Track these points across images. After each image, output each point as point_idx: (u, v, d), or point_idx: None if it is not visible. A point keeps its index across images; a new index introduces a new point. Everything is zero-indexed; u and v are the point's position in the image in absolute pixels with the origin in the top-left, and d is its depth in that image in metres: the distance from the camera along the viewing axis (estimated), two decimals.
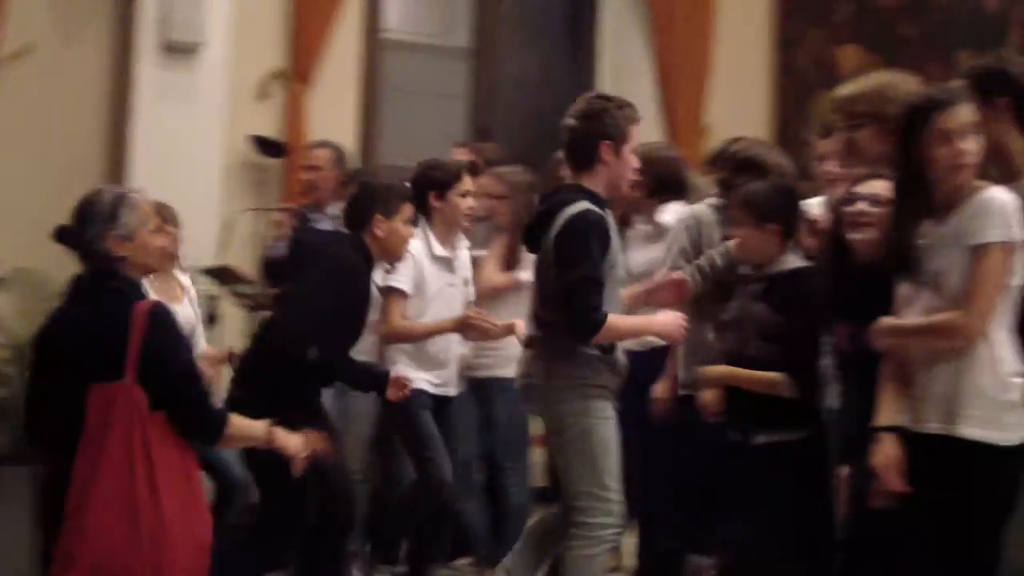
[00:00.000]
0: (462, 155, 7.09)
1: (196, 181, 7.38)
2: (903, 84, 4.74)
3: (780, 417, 4.81)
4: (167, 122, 7.38)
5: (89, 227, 4.18)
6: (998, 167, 4.18)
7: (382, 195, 5.50)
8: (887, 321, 4.04)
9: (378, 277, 5.78)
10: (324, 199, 7.14)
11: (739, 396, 4.95)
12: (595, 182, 5.07)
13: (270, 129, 8.07)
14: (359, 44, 8.68)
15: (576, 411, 5.01)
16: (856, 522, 4.45)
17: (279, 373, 5.16)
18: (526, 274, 5.90)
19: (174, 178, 7.01)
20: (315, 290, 5.26)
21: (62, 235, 4.46)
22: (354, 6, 8.57)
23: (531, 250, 5.26)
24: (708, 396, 5.09)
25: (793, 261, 4.96)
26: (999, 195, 3.88)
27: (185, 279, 6.22)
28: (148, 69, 7.43)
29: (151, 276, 5.22)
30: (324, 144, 7.42)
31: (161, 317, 4.14)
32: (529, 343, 5.24)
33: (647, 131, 8.76)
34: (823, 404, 4.88)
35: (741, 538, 4.95)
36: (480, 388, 6.32)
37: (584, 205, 4.97)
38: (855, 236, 4.39)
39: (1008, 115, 4.35)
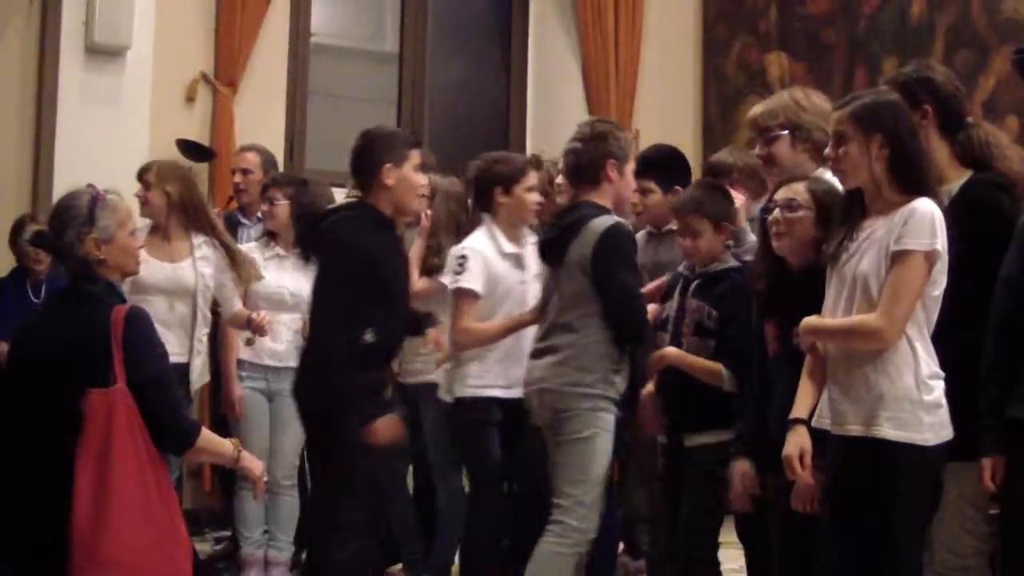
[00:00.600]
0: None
1: (121, 185, 7.23)
2: (813, 98, 4.83)
3: (712, 418, 4.86)
4: (92, 126, 7.31)
5: (67, 230, 4.14)
6: None
7: (387, 143, 5.25)
8: (810, 320, 4.08)
9: (447, 279, 5.80)
10: (253, 202, 7.10)
11: (673, 398, 5.03)
12: (603, 199, 5.25)
13: (197, 133, 8.01)
14: (286, 48, 8.64)
15: (582, 419, 5.12)
16: (782, 525, 4.46)
17: (337, 363, 5.03)
18: (447, 279, 5.94)
19: (99, 182, 6.89)
20: (327, 281, 5.16)
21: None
22: (281, 10, 8.53)
23: (549, 262, 5.35)
24: (646, 398, 5.18)
25: (729, 258, 5.05)
26: (927, 205, 3.91)
27: (197, 240, 6.22)
28: (72, 72, 7.36)
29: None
30: (253, 147, 7.38)
31: (138, 322, 4.11)
32: (541, 352, 5.30)
33: None
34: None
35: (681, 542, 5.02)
36: (410, 393, 6.29)
37: (613, 219, 5.18)
38: (776, 244, 4.43)
39: (932, 122, 4.39)
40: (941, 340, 3.99)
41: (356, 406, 4.94)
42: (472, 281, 5.64)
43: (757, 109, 4.94)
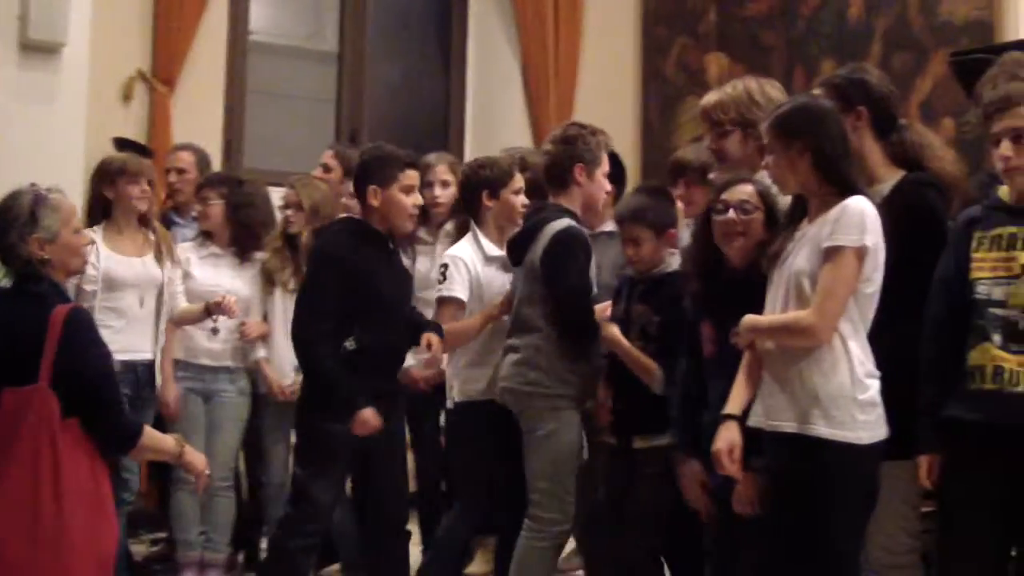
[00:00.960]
0: (329, 159, 7.07)
1: (57, 183, 7.21)
2: (768, 89, 4.83)
3: (663, 421, 4.88)
4: (27, 124, 7.20)
5: (10, 231, 4.15)
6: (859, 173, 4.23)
7: (377, 164, 5.41)
8: (748, 318, 4.09)
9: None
10: (188, 202, 7.06)
11: (624, 399, 5.07)
12: (571, 202, 5.35)
13: (133, 132, 7.92)
14: (225, 46, 8.58)
15: (542, 417, 5.23)
16: (720, 526, 4.47)
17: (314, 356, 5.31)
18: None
19: (34, 180, 6.83)
20: (307, 289, 5.40)
21: None
22: (219, 8, 8.47)
23: (515, 263, 5.44)
24: (601, 398, 5.23)
25: (673, 263, 5.08)
26: (858, 202, 3.93)
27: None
28: (7, 69, 7.24)
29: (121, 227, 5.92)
30: (188, 147, 7.34)
31: (78, 322, 4.09)
32: (507, 350, 5.40)
33: (514, 135, 8.84)
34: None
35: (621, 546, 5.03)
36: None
37: (567, 222, 5.23)
38: (729, 245, 4.44)
39: (867, 124, 4.43)
40: (873, 339, 4.01)
41: (336, 392, 5.20)
42: (454, 289, 5.67)
43: (710, 99, 4.94)
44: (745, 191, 4.43)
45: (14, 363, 4.00)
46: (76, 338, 4.06)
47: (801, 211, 4.12)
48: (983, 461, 3.92)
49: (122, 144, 7.54)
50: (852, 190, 3.98)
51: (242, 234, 6.53)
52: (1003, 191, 4.02)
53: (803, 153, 4.02)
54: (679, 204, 5.36)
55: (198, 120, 8.18)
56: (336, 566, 6.54)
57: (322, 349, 5.19)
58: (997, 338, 3.89)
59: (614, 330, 5.06)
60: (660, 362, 4.93)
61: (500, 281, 5.71)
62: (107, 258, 5.99)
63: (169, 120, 8.05)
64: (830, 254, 3.91)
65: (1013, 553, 4.04)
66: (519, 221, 5.68)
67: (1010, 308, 3.88)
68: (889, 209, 4.12)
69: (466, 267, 5.70)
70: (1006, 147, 3.92)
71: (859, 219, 3.90)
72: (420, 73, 10.06)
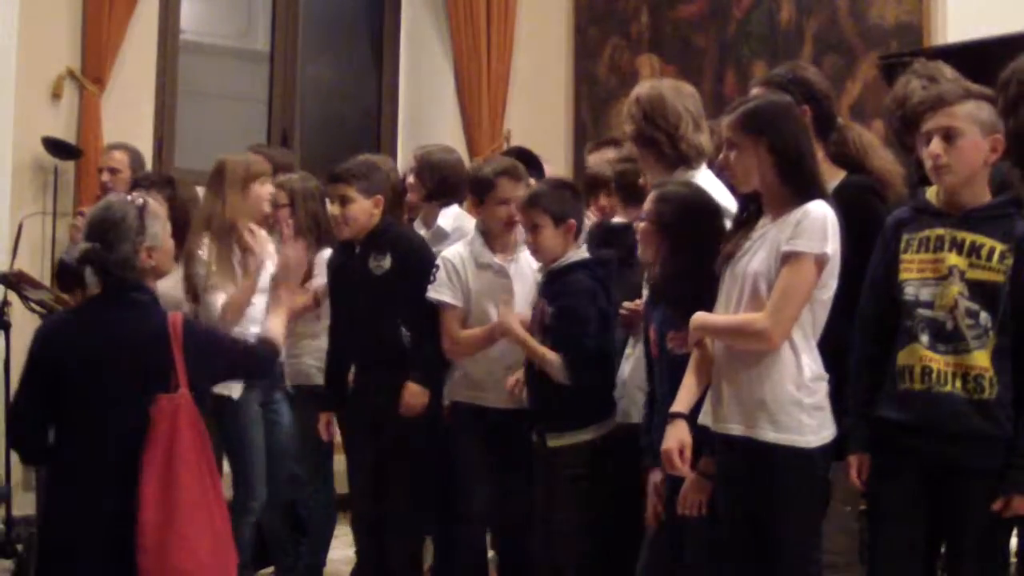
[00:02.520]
0: (256, 159, 7.02)
1: None
2: (647, 94, 4.85)
3: (575, 419, 4.88)
4: None
5: (124, 242, 4.19)
6: None
7: (353, 174, 5.61)
8: (699, 316, 4.08)
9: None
10: None
11: (538, 397, 5.08)
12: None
13: (63, 131, 7.86)
14: (155, 45, 8.51)
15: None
16: (669, 529, 4.46)
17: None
18: (317, 281, 6.06)
19: None
20: None
21: (88, 257, 4.20)
22: (150, 7, 8.39)
23: None
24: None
25: (574, 255, 5.06)
26: (820, 208, 3.93)
27: None
28: None
29: None
30: (121, 146, 7.28)
31: (194, 328, 4.28)
32: None
33: (446, 136, 8.83)
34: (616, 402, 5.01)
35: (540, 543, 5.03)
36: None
37: None
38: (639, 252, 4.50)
39: (809, 123, 4.37)
40: (822, 342, 4.03)
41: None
42: (441, 292, 5.54)
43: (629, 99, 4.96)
44: (649, 199, 4.49)
45: (155, 369, 4.10)
46: (197, 344, 4.20)
47: (756, 210, 4.13)
48: (912, 460, 3.94)
49: (51, 144, 7.50)
50: (814, 191, 3.98)
51: (180, 235, 6.48)
52: (931, 192, 4.05)
53: (767, 150, 4.01)
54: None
55: (129, 119, 8.10)
56: (270, 569, 6.50)
57: None
58: (925, 339, 3.91)
59: (510, 320, 5.08)
60: (561, 351, 4.92)
61: (494, 288, 5.50)
62: None
63: (99, 119, 7.97)
64: (789, 259, 3.90)
65: (943, 550, 4.07)
66: (503, 231, 5.55)
67: (937, 309, 3.89)
68: None
69: (454, 270, 5.56)
70: (936, 145, 3.94)
71: (821, 225, 3.90)
72: (352, 73, 10.04)
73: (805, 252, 3.88)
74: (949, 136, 3.92)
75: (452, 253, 5.59)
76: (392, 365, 5.55)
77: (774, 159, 4.00)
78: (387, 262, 5.60)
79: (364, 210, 5.61)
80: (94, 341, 4.16)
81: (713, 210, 4.40)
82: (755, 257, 4.00)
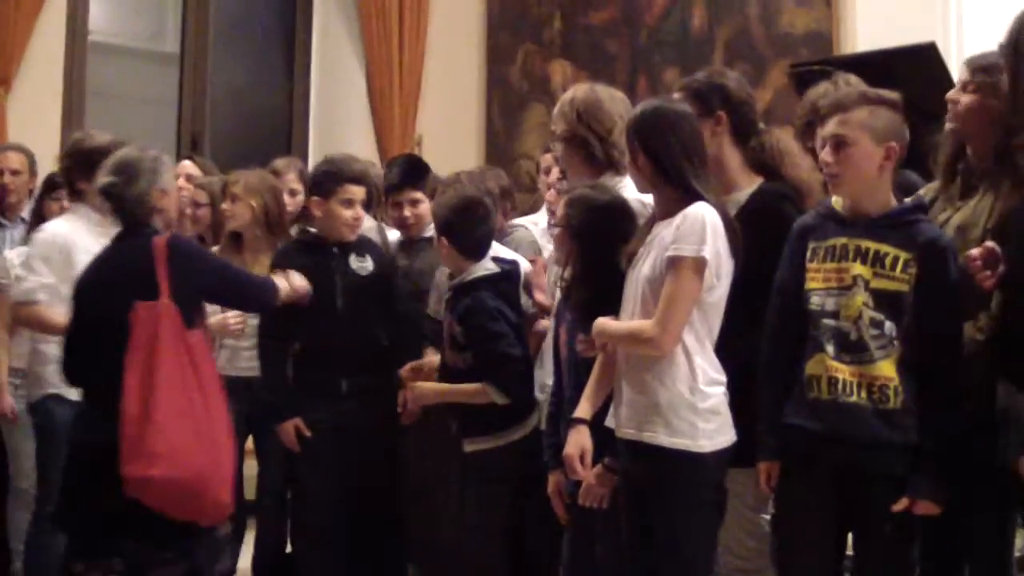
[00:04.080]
0: (190, 169, 6.95)
1: None
2: (584, 96, 4.85)
3: (486, 423, 4.88)
4: None
5: (139, 179, 4.68)
6: (716, 180, 4.25)
7: (321, 177, 5.63)
8: (599, 322, 4.10)
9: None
10: (20, 204, 6.90)
11: (457, 408, 5.04)
12: None
13: None
14: (63, 46, 8.41)
15: None
16: (575, 527, 4.48)
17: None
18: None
19: None
20: None
21: (110, 188, 4.74)
22: (57, 7, 8.30)
23: None
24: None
25: (477, 270, 5.03)
26: (698, 209, 3.95)
27: None
28: None
29: None
30: (16, 147, 7.13)
31: (177, 243, 4.66)
32: None
33: (358, 140, 8.80)
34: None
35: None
36: None
37: None
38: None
39: (726, 129, 4.41)
40: (729, 349, 4.04)
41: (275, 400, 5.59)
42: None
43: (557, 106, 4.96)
44: (561, 204, 4.50)
45: (135, 283, 4.52)
46: (182, 255, 4.62)
47: (658, 213, 4.15)
48: (821, 467, 3.96)
49: None
50: (693, 194, 4.00)
51: None
52: (836, 199, 4.07)
53: (645, 157, 4.05)
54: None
55: (35, 121, 8.01)
56: None
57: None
58: (831, 349, 3.92)
59: (426, 387, 5.14)
60: (486, 374, 4.90)
61: None
62: None
63: (5, 121, 7.88)
64: (672, 264, 3.92)
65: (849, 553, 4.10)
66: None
67: (842, 320, 3.91)
68: (744, 218, 4.15)
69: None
70: (826, 153, 3.97)
71: (699, 227, 3.91)
72: (263, 76, 9.99)
73: (685, 256, 3.90)
74: (840, 144, 3.95)
75: None
76: (375, 368, 5.55)
77: (652, 165, 4.04)
78: (369, 263, 5.63)
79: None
80: (102, 268, 4.73)
81: (623, 213, 4.40)
82: (647, 261, 4.03)
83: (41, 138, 7.67)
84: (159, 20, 9.54)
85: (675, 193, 4.02)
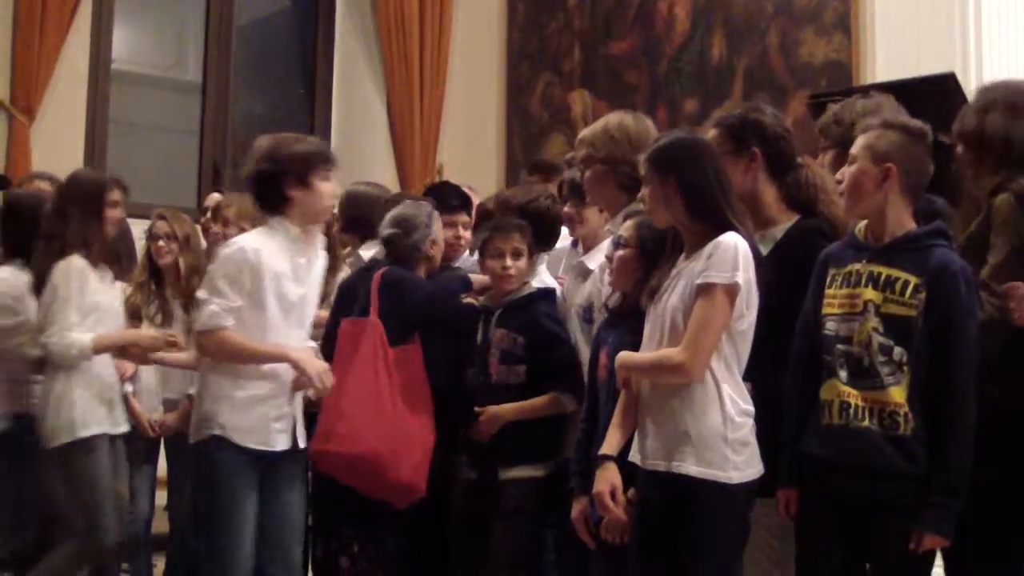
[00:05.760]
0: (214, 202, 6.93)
1: None
2: (634, 125, 4.84)
3: (528, 451, 4.89)
4: None
5: (418, 229, 5.27)
6: (752, 216, 4.24)
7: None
8: (622, 355, 4.08)
9: None
10: None
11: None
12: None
13: None
14: (86, 75, 8.47)
15: None
16: (604, 560, 4.45)
17: None
18: None
19: None
20: None
21: (391, 239, 5.31)
22: (81, 36, 8.37)
23: None
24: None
25: (530, 286, 5.07)
26: (731, 239, 3.94)
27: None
28: None
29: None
30: (46, 176, 7.16)
31: (390, 275, 5.18)
32: None
33: (379, 169, 8.83)
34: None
35: None
36: None
37: None
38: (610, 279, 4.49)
39: (761, 165, 4.38)
40: (762, 381, 4.03)
41: None
42: None
43: (582, 132, 4.97)
44: (625, 226, 4.47)
45: (360, 308, 5.20)
46: (389, 285, 5.15)
47: (680, 246, 4.14)
48: (832, 496, 3.95)
49: None
50: (724, 226, 3.98)
51: (115, 263, 6.42)
52: (859, 227, 4.07)
53: (675, 187, 4.01)
54: None
55: (58, 150, 8.06)
56: None
57: None
58: (843, 374, 3.92)
59: (494, 411, 4.98)
60: (555, 383, 4.92)
61: None
62: None
63: (28, 150, 7.93)
64: (702, 291, 3.89)
65: None
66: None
67: (854, 345, 3.91)
68: (779, 254, 4.16)
69: None
70: (841, 172, 4.02)
71: (732, 255, 3.89)
72: (284, 106, 10.03)
73: (716, 283, 3.88)
74: (850, 164, 3.99)
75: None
76: None
77: (682, 197, 4.01)
78: None
79: None
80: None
81: None
82: (673, 293, 4.00)
83: (64, 166, 7.64)
84: (181, 49, 9.59)
85: (702, 225, 4.01)
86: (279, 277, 4.88)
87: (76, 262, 5.34)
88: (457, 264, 5.84)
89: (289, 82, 10.10)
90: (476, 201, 6.44)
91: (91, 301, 5.37)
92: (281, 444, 4.94)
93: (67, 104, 8.26)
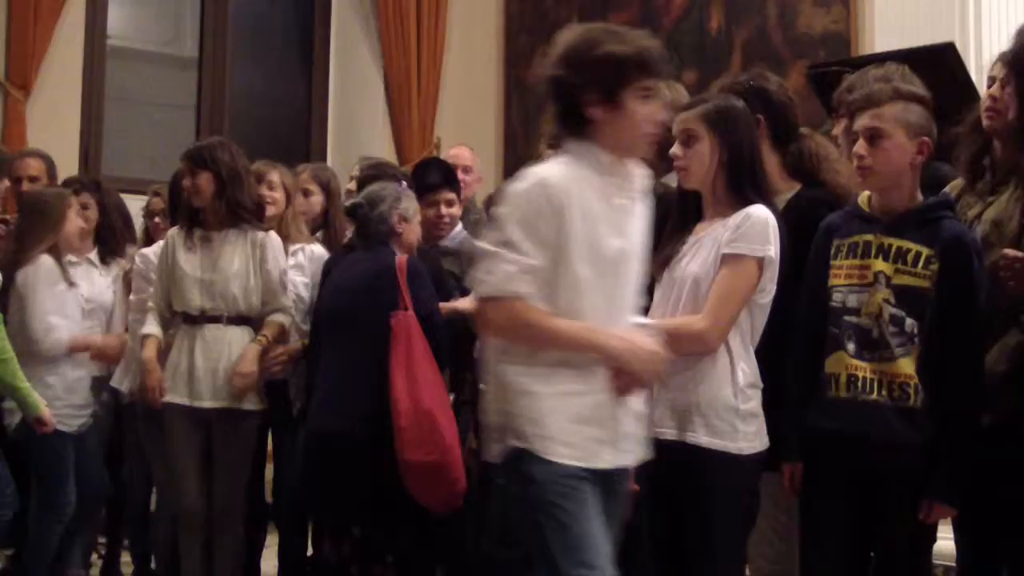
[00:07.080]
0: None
1: None
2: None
3: None
4: None
5: (384, 201, 5.41)
6: None
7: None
8: (635, 320, 4.05)
9: None
10: None
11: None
12: None
13: None
14: (82, 51, 8.44)
15: None
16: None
17: None
18: None
19: None
20: None
21: (355, 210, 5.51)
22: (77, 12, 8.33)
23: None
24: None
25: None
26: (762, 211, 3.91)
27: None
28: None
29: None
30: (37, 153, 7.13)
31: (415, 267, 5.30)
32: None
33: (378, 144, 8.81)
34: None
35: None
36: None
37: None
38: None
39: (764, 132, 4.35)
40: (762, 353, 4.00)
41: None
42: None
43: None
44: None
45: (388, 292, 5.20)
46: (416, 281, 5.24)
47: (695, 214, 4.12)
48: (838, 469, 3.95)
49: None
50: (755, 198, 3.95)
51: (106, 239, 6.41)
52: (862, 198, 4.05)
53: (724, 151, 3.99)
54: None
55: (55, 126, 8.04)
56: None
57: None
58: (851, 346, 3.91)
59: None
60: None
61: None
62: None
63: (24, 126, 7.90)
64: (729, 261, 3.86)
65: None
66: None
67: (863, 316, 3.90)
68: (781, 224, 4.14)
69: None
70: (860, 146, 3.95)
71: (763, 228, 3.87)
72: (282, 80, 10.00)
73: (747, 255, 3.85)
74: (874, 138, 3.93)
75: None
76: None
77: (726, 158, 3.98)
78: None
79: None
80: (342, 271, 5.50)
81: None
82: (694, 260, 3.96)
83: (60, 143, 7.70)
84: (177, 24, 9.55)
85: (734, 192, 3.98)
86: (594, 221, 3.50)
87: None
88: (445, 243, 5.84)
89: (286, 56, 10.06)
90: (474, 162, 6.50)
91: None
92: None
93: (63, 80, 8.23)
